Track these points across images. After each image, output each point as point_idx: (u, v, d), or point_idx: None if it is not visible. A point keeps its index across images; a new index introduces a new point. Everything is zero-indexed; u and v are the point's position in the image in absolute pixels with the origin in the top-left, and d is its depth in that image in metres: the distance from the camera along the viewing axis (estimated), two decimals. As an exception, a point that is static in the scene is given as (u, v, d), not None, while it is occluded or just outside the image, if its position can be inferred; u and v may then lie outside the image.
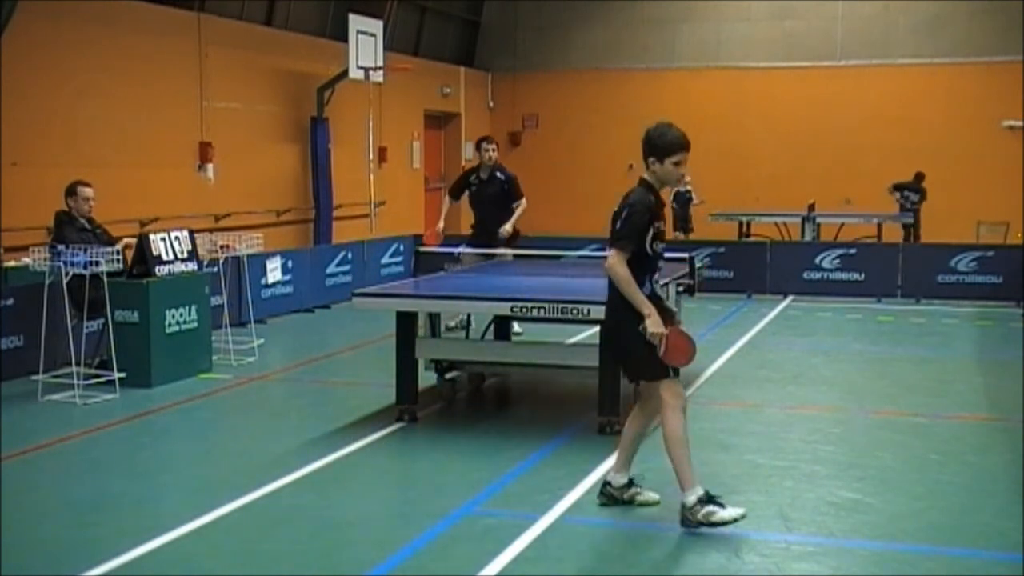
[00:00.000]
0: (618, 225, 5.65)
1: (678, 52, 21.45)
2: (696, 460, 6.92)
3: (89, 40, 12.42)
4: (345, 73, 15.79)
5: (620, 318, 5.72)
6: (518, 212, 11.34)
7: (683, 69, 21.35)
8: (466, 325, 9.83)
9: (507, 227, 11.20)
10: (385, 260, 15.76)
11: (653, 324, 5.56)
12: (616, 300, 5.72)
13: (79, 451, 7.37)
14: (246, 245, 10.63)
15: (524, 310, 7.48)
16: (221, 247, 10.48)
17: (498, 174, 11.39)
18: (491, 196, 11.36)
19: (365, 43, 15.88)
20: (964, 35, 19.91)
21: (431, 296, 8.28)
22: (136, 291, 9.06)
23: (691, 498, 5.59)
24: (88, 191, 9.37)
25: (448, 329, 9.92)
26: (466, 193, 11.68)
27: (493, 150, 11.40)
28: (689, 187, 19.04)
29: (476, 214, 11.62)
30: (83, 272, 8.63)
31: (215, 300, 10.45)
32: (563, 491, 6.26)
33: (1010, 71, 19.34)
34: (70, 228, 9.19)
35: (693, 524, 5.59)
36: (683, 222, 19.17)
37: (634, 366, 5.86)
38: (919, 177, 18.80)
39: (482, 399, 9.08)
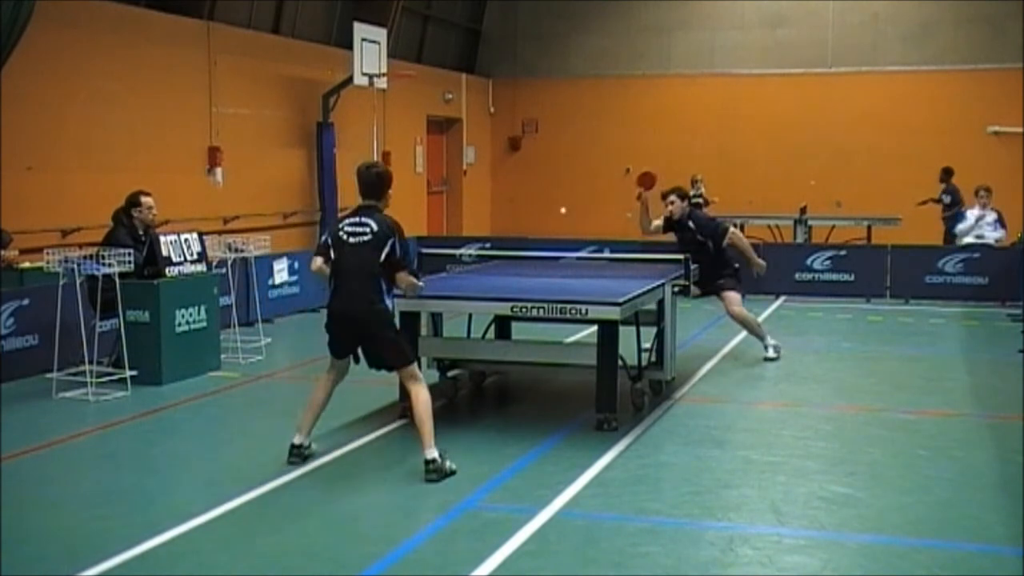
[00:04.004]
0: (404, 252, 6.89)
1: (673, 59, 21.58)
2: (690, 455, 7.17)
3: (102, 48, 12.56)
4: (350, 80, 15.90)
5: (381, 308, 6.74)
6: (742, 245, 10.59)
7: (678, 76, 21.45)
8: None
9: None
10: (389, 261, 15.90)
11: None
12: (375, 298, 6.71)
13: (92, 447, 7.48)
14: (254, 246, 10.82)
15: (524, 310, 7.58)
16: (236, 249, 10.66)
17: (690, 223, 10.43)
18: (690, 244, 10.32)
19: (369, 50, 16.01)
20: (950, 44, 20.09)
21: (433, 296, 8.41)
22: (147, 291, 9.18)
23: (435, 453, 6.65)
24: (149, 200, 9.66)
25: None
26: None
27: (670, 203, 10.43)
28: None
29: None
30: (95, 273, 8.82)
31: (224, 300, 10.58)
32: (562, 486, 6.35)
33: (995, 78, 19.52)
34: (123, 234, 9.43)
35: (443, 474, 6.61)
36: None
37: (394, 354, 6.84)
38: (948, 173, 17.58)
39: (483, 396, 9.16)
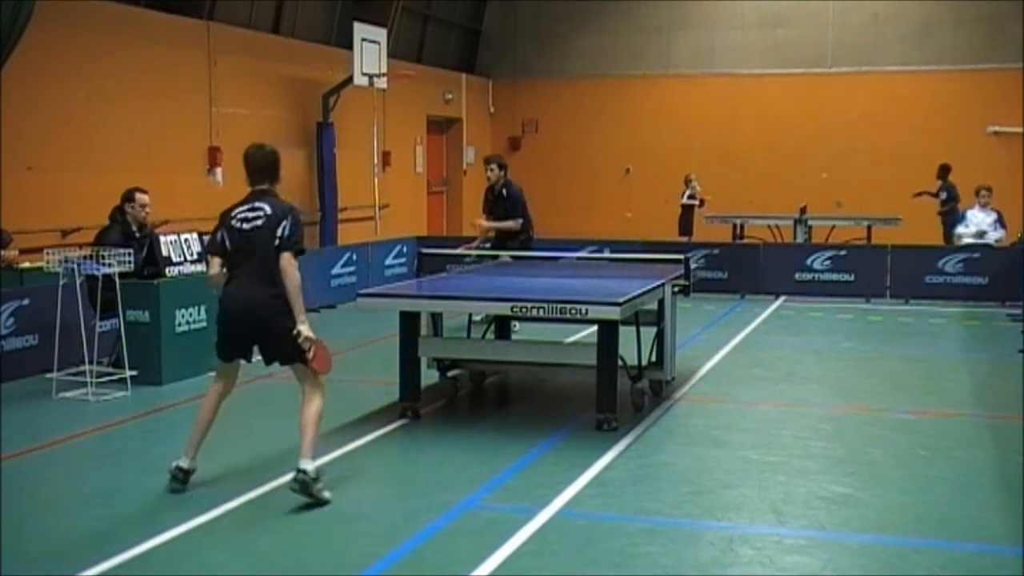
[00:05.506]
0: (292, 231, 6.21)
1: (673, 59, 21.61)
2: (690, 456, 7.18)
3: (102, 48, 12.58)
4: (350, 80, 15.92)
5: (280, 295, 6.13)
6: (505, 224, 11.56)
7: (678, 76, 21.48)
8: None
9: (481, 222, 11.75)
10: (389, 261, 15.91)
11: (308, 329, 6.17)
12: (274, 284, 6.14)
13: (92, 446, 7.48)
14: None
15: (524, 310, 7.57)
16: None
17: (504, 191, 11.62)
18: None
19: (369, 50, 16.03)
20: (950, 44, 20.13)
21: (433, 296, 8.40)
22: (147, 291, 9.20)
23: (312, 466, 6.05)
24: (144, 198, 9.61)
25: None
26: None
27: (490, 170, 11.65)
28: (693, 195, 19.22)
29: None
30: (95, 273, 8.82)
31: (223, 300, 10.63)
32: (562, 486, 6.35)
33: (995, 78, 19.57)
34: (116, 232, 9.41)
35: (312, 492, 6.00)
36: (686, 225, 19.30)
37: (291, 347, 6.23)
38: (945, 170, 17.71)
39: (483, 396, 9.16)
